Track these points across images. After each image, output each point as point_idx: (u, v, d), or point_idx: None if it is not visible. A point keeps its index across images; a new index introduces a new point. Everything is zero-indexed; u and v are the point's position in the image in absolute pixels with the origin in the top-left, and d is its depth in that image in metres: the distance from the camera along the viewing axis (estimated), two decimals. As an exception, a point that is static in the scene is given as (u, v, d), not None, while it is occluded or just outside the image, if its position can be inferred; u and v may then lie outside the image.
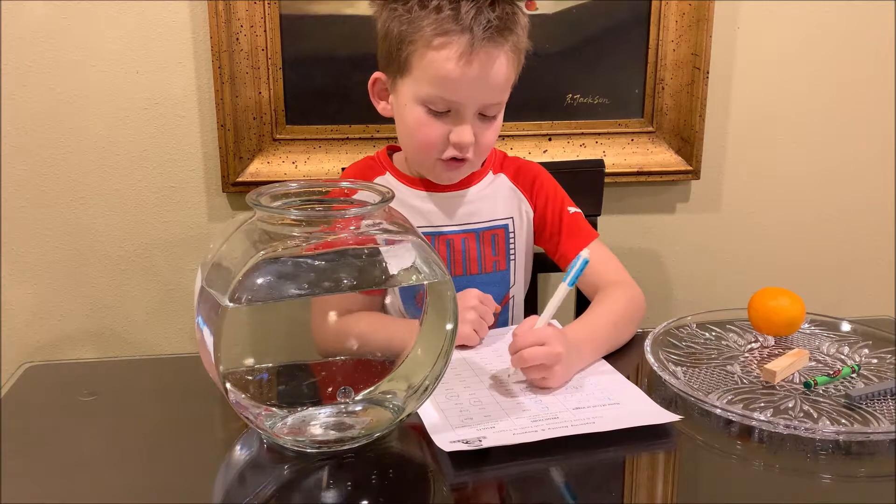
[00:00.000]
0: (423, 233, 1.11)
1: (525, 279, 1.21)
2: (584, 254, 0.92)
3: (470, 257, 1.14)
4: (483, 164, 1.17)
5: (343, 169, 1.34)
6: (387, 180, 1.15)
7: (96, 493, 0.73)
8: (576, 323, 1.00)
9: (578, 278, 0.92)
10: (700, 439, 0.83)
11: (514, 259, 1.17)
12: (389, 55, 1.06)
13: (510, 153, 1.37)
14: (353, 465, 0.76)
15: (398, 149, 1.20)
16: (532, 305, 1.32)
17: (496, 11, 1.00)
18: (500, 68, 1.02)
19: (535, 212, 1.17)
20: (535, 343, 0.88)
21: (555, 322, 0.98)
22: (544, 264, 1.25)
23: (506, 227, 1.16)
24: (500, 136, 1.44)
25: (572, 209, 1.18)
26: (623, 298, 1.06)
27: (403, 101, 1.06)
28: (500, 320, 1.17)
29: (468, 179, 1.15)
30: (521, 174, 1.18)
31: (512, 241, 1.16)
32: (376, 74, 1.10)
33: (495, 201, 1.16)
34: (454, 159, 1.06)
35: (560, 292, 0.92)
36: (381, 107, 1.12)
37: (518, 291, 1.19)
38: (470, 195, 1.14)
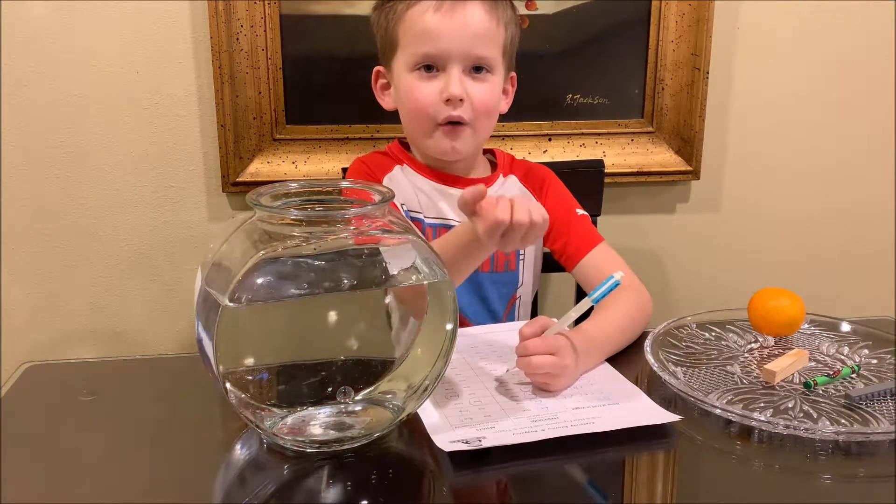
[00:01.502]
0: (436, 225, 1.12)
1: (533, 280, 1.21)
2: (618, 275, 0.90)
3: None
4: (494, 169, 1.18)
5: (344, 169, 1.34)
6: (405, 170, 1.15)
7: (96, 493, 0.73)
8: (586, 325, 1.00)
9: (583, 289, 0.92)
10: (700, 439, 0.83)
11: (524, 259, 1.17)
12: (382, 41, 1.11)
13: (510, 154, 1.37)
14: (353, 465, 0.76)
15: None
16: (531, 306, 1.32)
17: None
18: (476, 16, 1.05)
19: None
20: (546, 352, 0.87)
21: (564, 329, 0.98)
22: (546, 264, 1.25)
23: None
24: (500, 136, 1.44)
25: (580, 211, 1.18)
26: (632, 303, 1.06)
27: (398, 78, 1.09)
28: (507, 320, 1.18)
29: (482, 182, 1.15)
30: (530, 176, 1.19)
31: None
32: (377, 67, 1.14)
33: None
34: (452, 124, 1.07)
35: (582, 306, 0.90)
36: (385, 101, 1.15)
37: (525, 292, 1.20)
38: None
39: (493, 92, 1.09)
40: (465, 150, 1.11)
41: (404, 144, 1.19)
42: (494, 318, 1.17)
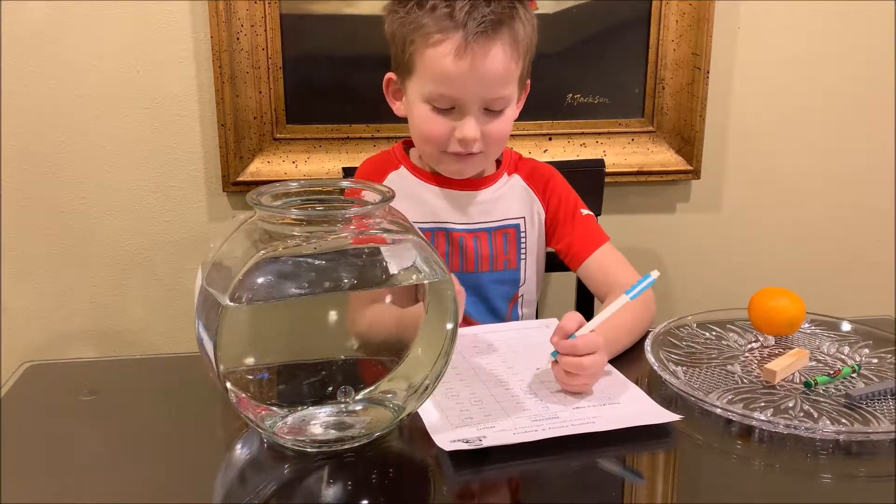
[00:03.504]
0: (433, 229, 1.12)
1: (537, 279, 1.21)
2: (654, 273, 0.90)
3: (481, 255, 1.14)
4: (499, 167, 1.18)
5: (344, 169, 1.34)
6: (401, 174, 1.15)
7: (96, 493, 0.73)
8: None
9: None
10: (700, 439, 0.83)
11: (525, 258, 1.17)
12: (397, 57, 1.09)
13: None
14: (353, 464, 0.76)
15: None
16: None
17: (490, 6, 1.01)
18: (498, 62, 1.02)
19: (546, 213, 1.18)
20: (590, 351, 0.86)
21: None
22: (547, 264, 1.24)
23: (517, 226, 1.16)
24: (500, 136, 1.44)
25: (585, 211, 1.18)
26: (637, 304, 1.06)
27: (412, 100, 1.08)
28: (511, 318, 1.18)
29: (483, 181, 1.15)
30: (534, 175, 1.19)
31: (523, 240, 1.16)
32: (389, 75, 1.13)
33: (509, 201, 1.16)
34: (461, 153, 1.07)
35: (618, 303, 0.90)
36: (396, 107, 1.14)
37: (528, 290, 1.19)
38: (484, 195, 1.15)
39: (508, 122, 1.09)
40: (475, 172, 1.13)
41: (408, 144, 1.19)
42: (497, 317, 1.17)
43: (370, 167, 1.18)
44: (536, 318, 1.26)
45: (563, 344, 0.87)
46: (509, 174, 1.18)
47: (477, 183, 1.15)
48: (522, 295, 1.19)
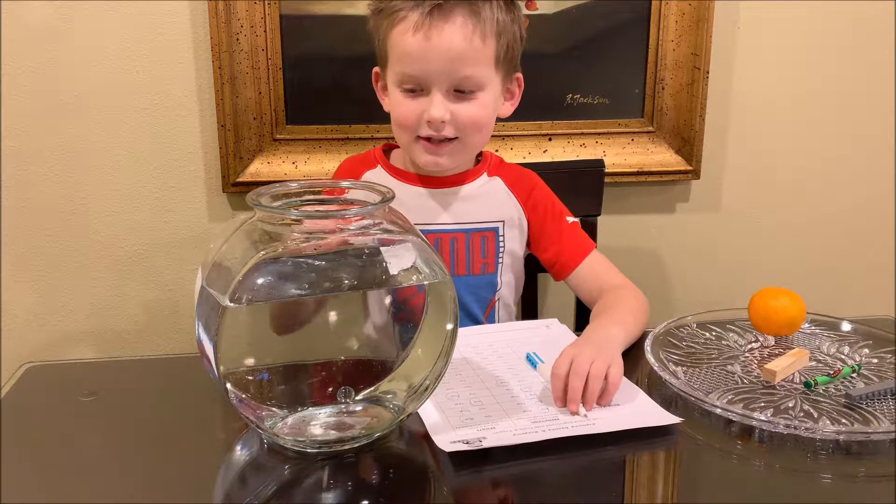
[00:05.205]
0: None
1: (515, 283, 1.20)
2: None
3: (458, 258, 1.14)
4: (477, 164, 1.18)
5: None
6: (377, 173, 1.16)
7: (96, 493, 0.73)
8: (601, 321, 1.00)
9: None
10: (700, 439, 0.83)
11: (502, 262, 1.17)
12: (377, 51, 1.11)
13: (510, 153, 1.37)
14: (354, 465, 0.76)
15: (397, 146, 1.20)
16: (531, 306, 1.33)
17: None
18: (456, 37, 1.02)
19: (531, 222, 1.17)
20: (606, 366, 0.85)
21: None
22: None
23: (496, 229, 1.15)
24: (500, 136, 1.44)
25: (570, 219, 1.18)
26: (633, 298, 1.07)
27: (389, 89, 1.10)
28: (487, 322, 1.18)
29: (461, 176, 1.15)
30: (518, 182, 1.18)
31: (501, 244, 1.16)
32: (375, 69, 1.14)
33: (489, 203, 1.16)
34: (433, 141, 1.07)
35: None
36: (385, 103, 1.15)
37: (504, 294, 1.19)
38: (462, 193, 1.15)
39: (483, 107, 1.07)
40: (451, 164, 1.11)
41: (388, 149, 1.20)
42: (474, 323, 1.16)
43: (347, 166, 1.19)
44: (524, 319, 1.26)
45: (582, 386, 0.85)
46: (490, 175, 1.17)
47: (455, 179, 1.15)
48: (499, 299, 1.18)
